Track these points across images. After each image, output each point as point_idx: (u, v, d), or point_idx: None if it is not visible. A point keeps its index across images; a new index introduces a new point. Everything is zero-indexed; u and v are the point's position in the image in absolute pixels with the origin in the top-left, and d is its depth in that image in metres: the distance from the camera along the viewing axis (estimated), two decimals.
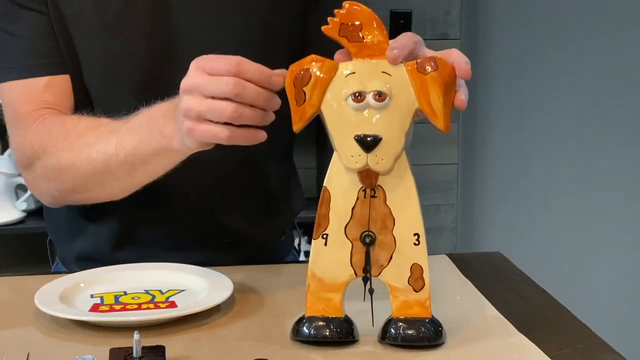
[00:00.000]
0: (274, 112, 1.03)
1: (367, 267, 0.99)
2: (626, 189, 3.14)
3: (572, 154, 3.13)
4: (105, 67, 1.29)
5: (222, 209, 1.35)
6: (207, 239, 1.34)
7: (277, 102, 1.01)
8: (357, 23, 0.96)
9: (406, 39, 0.98)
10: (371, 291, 0.99)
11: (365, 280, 0.99)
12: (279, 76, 0.99)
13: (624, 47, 3.08)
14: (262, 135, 1.03)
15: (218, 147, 1.29)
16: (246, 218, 1.37)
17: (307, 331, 1.00)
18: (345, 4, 0.97)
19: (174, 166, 1.16)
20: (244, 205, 1.36)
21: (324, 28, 0.97)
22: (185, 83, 1.02)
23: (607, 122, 3.11)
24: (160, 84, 1.20)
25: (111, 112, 1.23)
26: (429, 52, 1.01)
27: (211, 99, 1.00)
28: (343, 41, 0.97)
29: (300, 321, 1.01)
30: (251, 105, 1.00)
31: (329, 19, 0.97)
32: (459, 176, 3.09)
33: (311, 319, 1.00)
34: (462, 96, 0.97)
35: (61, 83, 1.28)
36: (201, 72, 1.01)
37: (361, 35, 0.96)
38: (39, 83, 1.27)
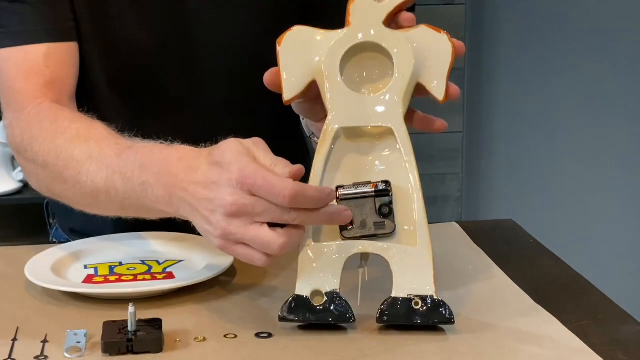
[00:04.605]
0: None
1: None
2: None
3: (580, 118, 3.10)
4: (116, 40, 1.24)
5: None
6: None
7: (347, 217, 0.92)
8: None
9: None
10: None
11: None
12: (332, 193, 0.90)
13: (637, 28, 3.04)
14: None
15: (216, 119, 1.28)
16: None
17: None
18: None
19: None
20: None
21: None
22: (228, 201, 0.89)
23: (618, 86, 3.08)
24: (175, 61, 1.16)
25: (121, 88, 1.20)
26: None
27: (259, 224, 0.90)
28: None
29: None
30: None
31: None
32: (464, 145, 3.08)
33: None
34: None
35: (63, 51, 1.20)
36: (246, 192, 0.89)
37: None
38: (38, 52, 1.18)
